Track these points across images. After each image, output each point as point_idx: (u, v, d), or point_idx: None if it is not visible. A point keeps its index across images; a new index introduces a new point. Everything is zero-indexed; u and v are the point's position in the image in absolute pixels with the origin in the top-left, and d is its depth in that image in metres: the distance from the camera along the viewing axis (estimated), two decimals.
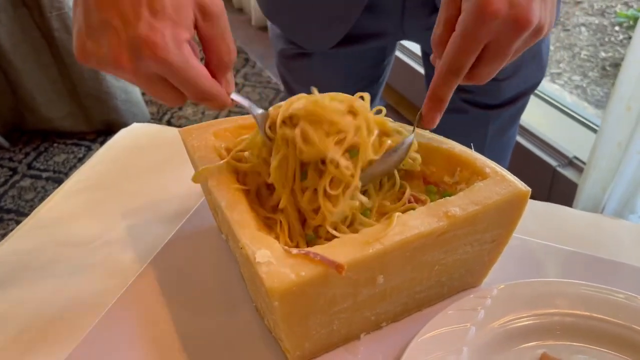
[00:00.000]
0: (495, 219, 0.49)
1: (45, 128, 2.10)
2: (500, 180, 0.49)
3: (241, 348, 0.51)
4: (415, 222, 0.45)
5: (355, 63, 0.89)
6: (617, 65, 2.41)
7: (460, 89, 0.87)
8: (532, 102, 1.69)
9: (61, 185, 0.72)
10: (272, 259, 0.42)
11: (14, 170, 2.01)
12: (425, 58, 0.92)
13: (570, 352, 0.49)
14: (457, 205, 0.47)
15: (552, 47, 2.49)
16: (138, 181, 0.72)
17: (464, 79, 0.47)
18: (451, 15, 0.46)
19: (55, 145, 2.09)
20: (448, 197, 0.48)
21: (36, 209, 0.69)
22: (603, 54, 2.45)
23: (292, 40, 0.85)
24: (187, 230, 0.63)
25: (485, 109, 0.88)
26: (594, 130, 1.54)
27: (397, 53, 1.98)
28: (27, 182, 1.95)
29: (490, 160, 0.52)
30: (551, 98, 1.72)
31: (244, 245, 0.44)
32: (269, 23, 0.92)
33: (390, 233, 0.44)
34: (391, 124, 0.52)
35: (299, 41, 0.84)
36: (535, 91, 1.70)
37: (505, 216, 0.49)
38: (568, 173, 1.47)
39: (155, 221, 0.65)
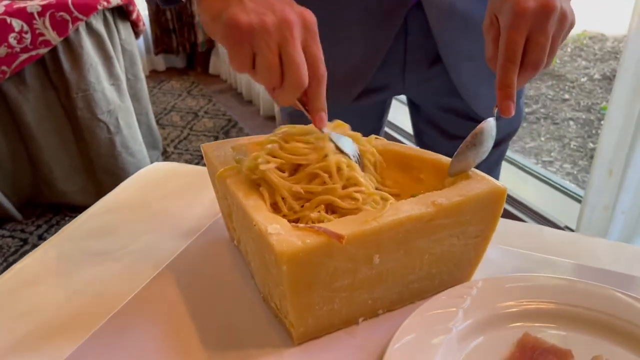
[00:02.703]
0: (477, 211, 0.55)
1: (59, 202, 2.19)
2: (480, 179, 0.56)
3: (250, 332, 0.56)
4: (406, 208, 0.52)
5: (360, 119, 0.98)
6: None
7: (454, 137, 0.96)
8: (528, 181, 1.79)
9: (86, 210, 0.80)
10: (282, 231, 0.49)
11: (25, 241, 2.07)
12: (413, 110, 1.01)
13: (551, 334, 0.53)
14: (444, 196, 0.54)
15: (542, 139, 2.64)
16: (158, 204, 0.79)
17: (522, 71, 0.57)
18: (495, 35, 0.59)
19: (66, 218, 2.17)
20: (435, 191, 0.55)
21: (63, 228, 0.76)
22: (591, 145, 2.58)
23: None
24: (202, 241, 0.70)
25: None
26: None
27: (386, 129, 2.10)
28: None
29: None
30: (545, 177, 1.82)
31: (257, 222, 0.51)
32: None
33: (384, 214, 0.51)
34: None
35: None
36: (530, 171, 1.81)
37: (486, 210, 0.56)
38: None
39: (174, 236, 0.72)
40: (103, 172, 2.14)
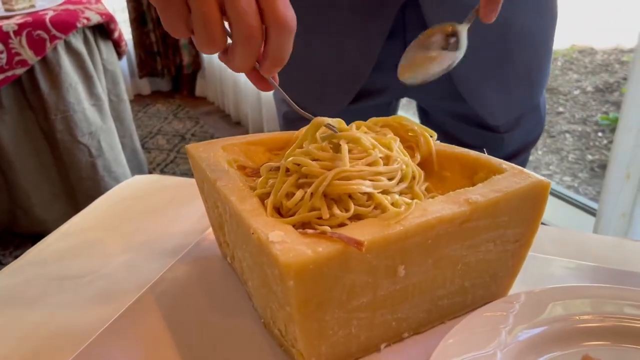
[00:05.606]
0: (517, 211, 0.46)
1: (38, 231, 2.07)
2: (518, 173, 0.48)
3: None
4: (435, 208, 0.43)
5: None
6: (604, 167, 2.48)
7: (466, 146, 0.89)
8: None
9: (57, 229, 0.70)
10: (286, 239, 0.40)
11: None
12: (422, 116, 0.93)
13: (611, 354, 0.44)
14: (478, 193, 0.45)
15: (540, 152, 2.58)
16: (137, 222, 0.69)
17: None
18: None
19: None
20: (467, 188, 0.46)
21: (28, 250, 0.65)
22: (590, 157, 2.52)
23: (302, 104, 0.86)
24: (189, 259, 0.60)
25: None
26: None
27: None
28: None
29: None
30: (556, 191, 1.75)
31: (256, 230, 0.41)
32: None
33: (410, 216, 0.42)
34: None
35: (310, 105, 0.85)
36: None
37: (527, 210, 0.47)
38: None
39: (157, 255, 0.62)
40: (84, 198, 2.03)
